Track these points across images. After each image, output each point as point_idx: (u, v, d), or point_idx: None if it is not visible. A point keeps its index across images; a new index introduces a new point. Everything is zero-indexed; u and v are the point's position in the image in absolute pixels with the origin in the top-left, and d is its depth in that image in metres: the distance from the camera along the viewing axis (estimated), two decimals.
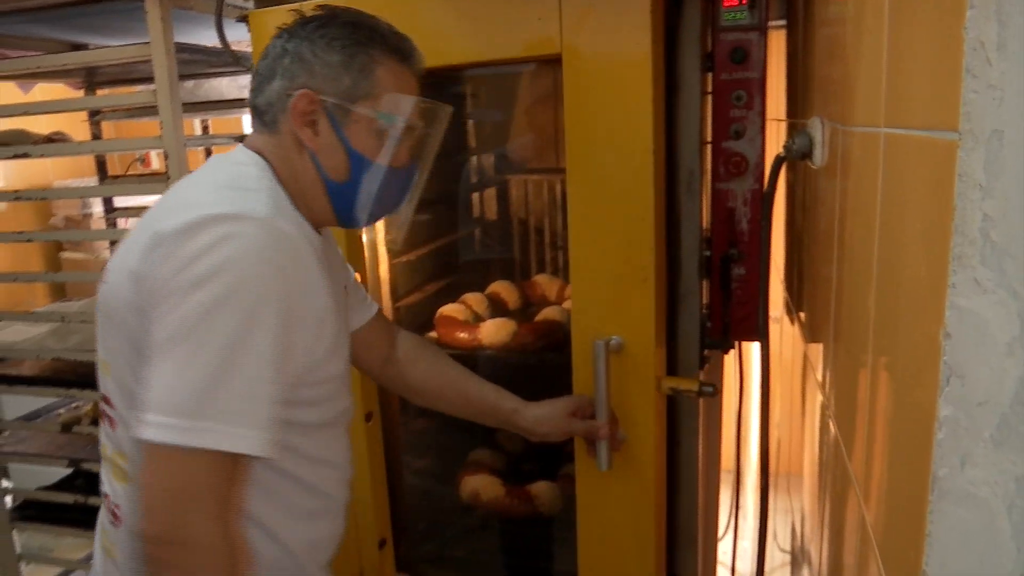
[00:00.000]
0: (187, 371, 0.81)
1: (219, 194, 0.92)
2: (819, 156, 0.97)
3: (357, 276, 1.46)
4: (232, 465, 0.84)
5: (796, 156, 1.02)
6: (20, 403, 2.46)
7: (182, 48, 1.59)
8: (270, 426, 0.86)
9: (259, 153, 1.01)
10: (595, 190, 1.26)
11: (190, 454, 0.81)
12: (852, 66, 0.79)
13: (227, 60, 1.59)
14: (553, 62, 1.24)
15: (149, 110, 1.59)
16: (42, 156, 1.74)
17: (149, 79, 2.17)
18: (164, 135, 1.56)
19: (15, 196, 1.84)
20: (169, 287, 0.83)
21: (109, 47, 1.77)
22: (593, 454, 1.28)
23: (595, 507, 1.38)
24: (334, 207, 1.03)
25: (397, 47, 1.00)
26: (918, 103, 0.51)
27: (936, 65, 0.45)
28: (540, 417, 1.29)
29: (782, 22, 1.74)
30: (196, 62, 1.78)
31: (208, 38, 1.92)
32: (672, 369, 1.38)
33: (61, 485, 2.12)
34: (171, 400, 0.81)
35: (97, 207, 3.92)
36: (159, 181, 1.62)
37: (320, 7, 1.03)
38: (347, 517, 1.18)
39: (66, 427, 1.94)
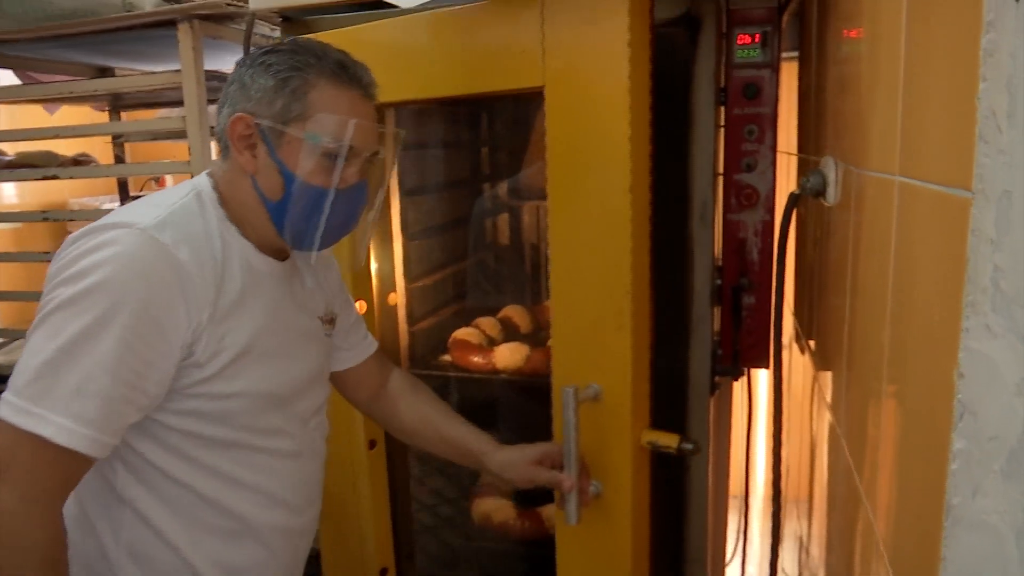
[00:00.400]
0: (34, 357, 0.88)
1: (130, 209, 0.99)
2: (832, 194, 1.01)
3: (362, 307, 1.48)
4: (62, 456, 0.88)
5: (810, 193, 1.06)
6: None
7: (210, 76, 1.64)
8: (101, 426, 0.89)
9: (212, 178, 1.06)
10: (573, 229, 1.22)
11: (17, 432, 0.86)
12: (867, 112, 0.83)
13: None
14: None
15: (173, 133, 1.64)
16: (71, 178, 1.79)
17: (171, 103, 2.23)
18: (192, 159, 1.60)
19: (43, 216, 1.88)
20: (51, 283, 0.91)
21: (138, 73, 1.82)
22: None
23: (572, 559, 1.35)
24: (277, 228, 1.04)
25: (338, 71, 1.01)
26: (933, 159, 0.55)
27: (951, 128, 0.50)
28: (505, 462, 1.27)
29: (794, 54, 1.78)
30: (219, 89, 1.83)
31: (232, 65, 1.98)
32: (683, 397, 1.41)
33: None
34: (17, 380, 0.88)
35: None
36: None
37: (282, 40, 1.06)
38: (289, 551, 1.16)
39: None
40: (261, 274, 1.06)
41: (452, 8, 1.27)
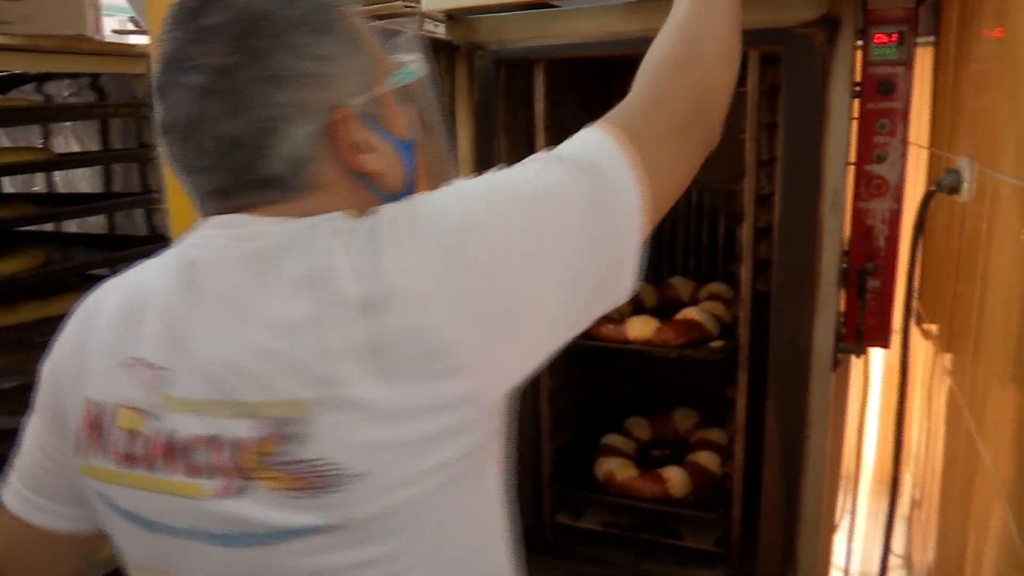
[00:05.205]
0: None
1: None
2: (967, 191, 1.10)
3: None
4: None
5: (945, 190, 1.15)
6: None
7: None
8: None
9: None
10: None
11: None
12: (1007, 119, 0.92)
13: None
14: None
15: None
16: None
17: None
18: None
19: None
20: None
21: None
22: None
23: None
24: None
25: None
26: None
27: None
28: None
29: (929, 39, 1.78)
30: None
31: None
32: (806, 370, 1.52)
33: None
34: None
35: None
36: None
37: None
38: None
39: None
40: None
41: None
